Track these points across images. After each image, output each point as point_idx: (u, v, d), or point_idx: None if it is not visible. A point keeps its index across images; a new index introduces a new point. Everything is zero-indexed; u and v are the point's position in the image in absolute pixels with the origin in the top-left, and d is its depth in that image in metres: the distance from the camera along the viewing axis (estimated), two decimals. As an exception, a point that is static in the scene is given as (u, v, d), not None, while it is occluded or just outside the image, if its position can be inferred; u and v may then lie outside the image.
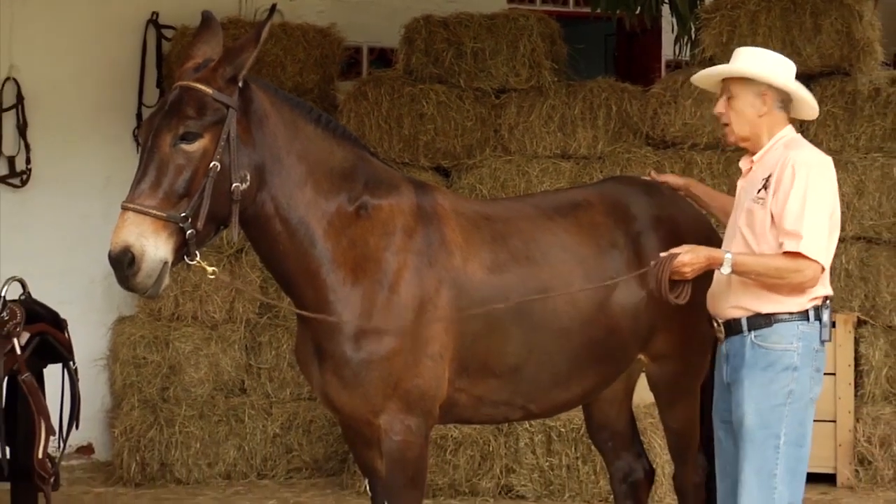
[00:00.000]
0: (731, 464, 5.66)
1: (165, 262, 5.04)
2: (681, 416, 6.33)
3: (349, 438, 5.95)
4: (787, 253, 5.31)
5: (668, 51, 12.33)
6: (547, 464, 9.14)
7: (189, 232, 5.07)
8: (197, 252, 5.12)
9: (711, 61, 10.02)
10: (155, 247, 5.00)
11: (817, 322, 5.47)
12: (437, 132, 10.38)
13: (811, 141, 9.99)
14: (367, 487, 5.98)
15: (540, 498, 9.13)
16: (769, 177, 5.46)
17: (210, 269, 5.24)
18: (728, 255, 5.36)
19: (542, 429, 9.07)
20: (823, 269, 5.38)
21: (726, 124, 5.66)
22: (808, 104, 5.68)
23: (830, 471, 9.49)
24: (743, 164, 5.76)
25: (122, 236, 4.98)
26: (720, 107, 5.67)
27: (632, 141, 10.27)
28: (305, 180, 5.40)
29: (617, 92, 10.37)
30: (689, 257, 5.33)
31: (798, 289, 5.40)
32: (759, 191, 5.48)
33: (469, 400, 5.69)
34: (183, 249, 5.09)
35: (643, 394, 6.54)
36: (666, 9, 11.20)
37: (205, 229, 5.14)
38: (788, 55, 10.13)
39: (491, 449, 9.19)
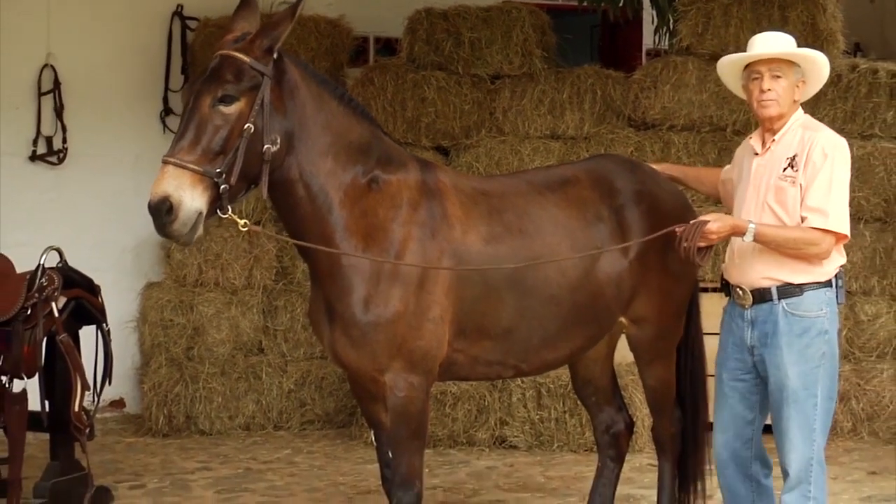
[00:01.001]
0: (734, 417, 5.74)
1: (200, 213, 5.04)
2: (658, 374, 6.36)
3: (357, 394, 5.95)
4: (811, 228, 5.36)
5: (648, 40, 12.30)
6: (537, 417, 9.17)
7: (223, 187, 5.07)
8: (229, 206, 5.14)
9: (688, 50, 10.05)
10: (191, 198, 5.00)
11: (835, 287, 5.54)
12: (437, 115, 10.39)
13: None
14: (373, 438, 5.98)
15: (531, 448, 9.16)
16: (794, 156, 5.48)
17: (241, 221, 5.27)
18: (752, 225, 5.37)
19: (532, 385, 9.09)
20: (846, 238, 5.45)
21: (772, 100, 5.55)
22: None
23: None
24: (755, 143, 5.71)
25: (162, 187, 4.98)
26: (769, 83, 5.55)
27: (615, 123, 10.28)
28: (328, 151, 5.39)
29: (601, 78, 10.37)
30: (717, 225, 5.37)
31: (813, 259, 5.43)
32: (786, 169, 5.49)
33: (466, 359, 5.69)
34: (217, 203, 5.09)
35: (624, 353, 6.55)
36: (646, 1, 11.19)
37: (237, 185, 5.14)
38: (758, 45, 10.10)
39: (486, 403, 9.21)
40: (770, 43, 5.62)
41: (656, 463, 6.61)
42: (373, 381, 5.53)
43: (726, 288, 5.77)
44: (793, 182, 5.44)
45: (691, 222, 5.44)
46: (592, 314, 5.96)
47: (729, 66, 5.78)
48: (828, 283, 5.51)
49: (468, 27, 10.42)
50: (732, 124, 9.97)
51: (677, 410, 6.46)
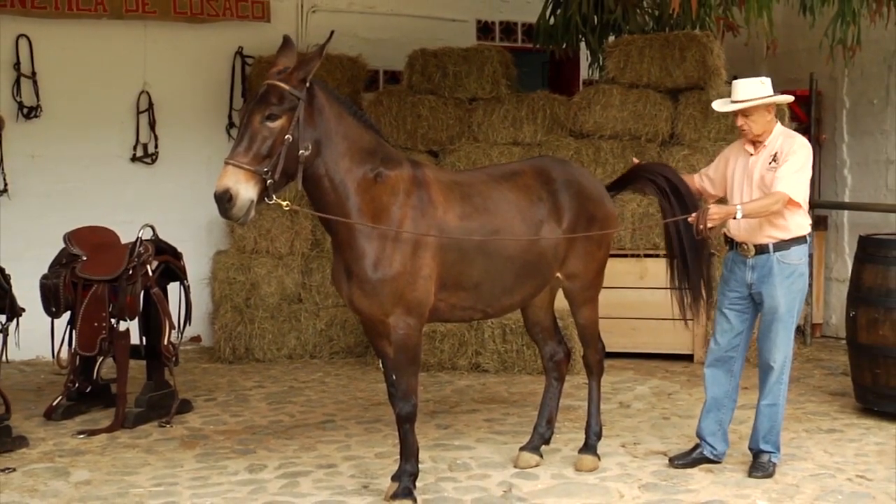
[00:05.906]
0: (728, 330, 6.20)
1: (252, 201, 5.07)
2: (586, 315, 6.36)
3: (368, 332, 5.96)
4: (775, 191, 5.78)
5: (584, 73, 12.25)
6: (503, 348, 9.18)
7: (269, 181, 5.10)
8: (274, 195, 5.16)
9: (613, 80, 10.06)
10: (246, 189, 5.03)
11: (809, 244, 6.06)
12: (429, 127, 10.36)
13: (678, 134, 10.09)
14: (382, 365, 6.02)
15: (498, 371, 9.17)
16: (776, 154, 5.88)
17: (284, 203, 5.28)
18: (738, 207, 5.76)
19: (499, 325, 9.10)
20: (799, 204, 5.82)
21: (745, 129, 5.96)
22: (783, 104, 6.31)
23: (689, 352, 9.57)
24: (749, 148, 6.06)
25: (224, 182, 5.02)
26: (741, 122, 5.96)
27: (560, 133, 10.25)
28: (345, 153, 5.39)
29: (550, 100, 10.34)
30: (714, 210, 5.75)
31: (775, 214, 5.82)
32: (771, 163, 5.89)
33: (447, 306, 5.72)
34: (265, 193, 5.12)
35: (564, 302, 6.56)
36: (583, 45, 11.17)
37: (279, 181, 5.17)
38: (663, 77, 10.19)
39: (465, 339, 9.22)
40: (739, 91, 5.95)
41: (587, 381, 6.64)
42: (380, 323, 5.57)
43: (731, 243, 6.14)
44: (773, 169, 5.86)
45: (700, 209, 5.79)
46: (537, 270, 5.98)
47: (720, 107, 6.11)
48: (805, 240, 5.96)
49: (452, 63, 10.39)
50: (645, 134, 9.98)
51: (601, 342, 6.48)
